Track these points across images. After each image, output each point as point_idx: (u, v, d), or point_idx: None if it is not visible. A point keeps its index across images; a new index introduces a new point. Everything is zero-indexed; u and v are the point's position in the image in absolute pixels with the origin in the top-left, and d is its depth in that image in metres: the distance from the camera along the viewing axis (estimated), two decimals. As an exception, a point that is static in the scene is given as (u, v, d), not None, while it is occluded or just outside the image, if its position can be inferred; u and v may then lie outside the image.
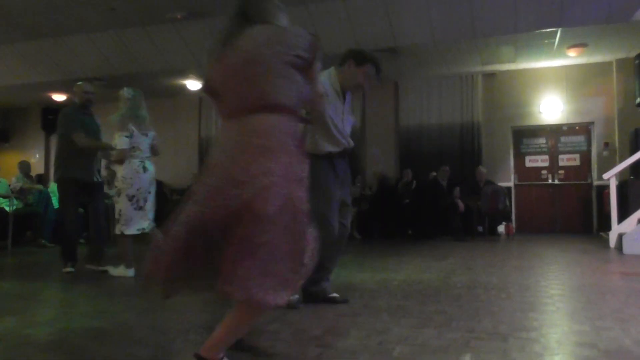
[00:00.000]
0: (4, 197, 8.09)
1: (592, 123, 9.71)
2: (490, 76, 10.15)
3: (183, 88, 10.96)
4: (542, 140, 10.13)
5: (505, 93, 10.07)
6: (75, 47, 9.51)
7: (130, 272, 4.57)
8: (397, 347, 2.23)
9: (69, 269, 4.81)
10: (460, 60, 9.46)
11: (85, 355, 2.18)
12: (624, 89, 9.27)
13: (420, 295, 3.53)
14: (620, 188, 7.63)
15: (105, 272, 4.71)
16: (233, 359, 1.85)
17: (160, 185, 8.50)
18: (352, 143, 3.30)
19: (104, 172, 6.63)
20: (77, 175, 4.90)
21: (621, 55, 9.17)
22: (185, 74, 10.18)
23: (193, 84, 10.72)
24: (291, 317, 2.79)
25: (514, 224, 9.75)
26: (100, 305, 3.33)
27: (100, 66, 9.78)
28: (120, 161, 4.60)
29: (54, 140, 12.20)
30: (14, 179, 8.92)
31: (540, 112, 9.91)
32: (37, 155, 12.92)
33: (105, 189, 6.30)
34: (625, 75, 9.16)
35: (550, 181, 10.03)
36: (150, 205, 4.69)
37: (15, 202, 8.03)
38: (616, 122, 9.42)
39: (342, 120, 3.23)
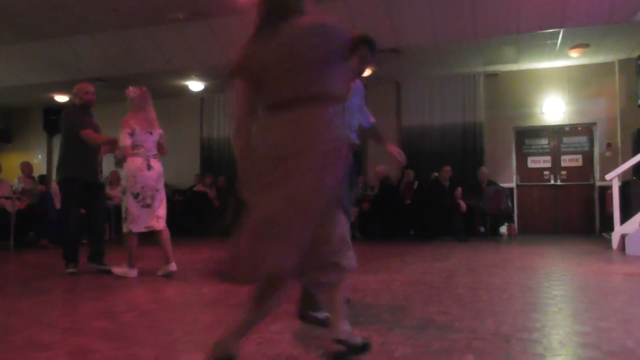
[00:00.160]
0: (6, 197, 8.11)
1: (595, 123, 9.69)
2: (493, 76, 10.14)
3: (185, 89, 10.98)
4: (544, 141, 10.12)
5: (507, 93, 10.06)
6: (78, 48, 9.53)
7: (133, 272, 4.55)
8: (399, 347, 2.23)
9: (71, 270, 4.82)
10: (463, 61, 9.46)
11: (88, 356, 2.18)
12: (626, 89, 9.25)
13: (423, 295, 3.53)
14: (623, 189, 7.61)
15: (109, 271, 4.71)
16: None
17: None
18: (356, 140, 3.26)
19: (106, 173, 6.64)
20: (80, 175, 4.90)
21: (623, 55, 9.15)
22: (187, 74, 10.20)
23: (195, 85, 10.73)
24: (292, 317, 2.79)
25: (516, 225, 9.76)
26: (103, 305, 3.34)
27: (103, 67, 9.80)
28: (123, 158, 4.59)
29: (56, 141, 12.26)
30: (16, 180, 8.94)
31: (542, 113, 9.90)
32: (40, 156, 12.95)
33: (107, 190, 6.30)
34: (628, 75, 9.15)
35: (552, 182, 10.01)
36: (158, 203, 4.64)
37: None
38: (618, 122, 9.41)
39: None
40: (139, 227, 4.55)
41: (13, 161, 11.33)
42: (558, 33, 8.03)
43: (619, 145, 9.39)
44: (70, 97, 6.29)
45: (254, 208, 1.84)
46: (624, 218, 6.98)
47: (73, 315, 3.08)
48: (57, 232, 7.95)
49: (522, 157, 10.20)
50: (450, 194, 9.00)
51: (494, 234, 9.36)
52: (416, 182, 9.61)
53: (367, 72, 3.43)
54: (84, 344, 2.36)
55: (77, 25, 8.69)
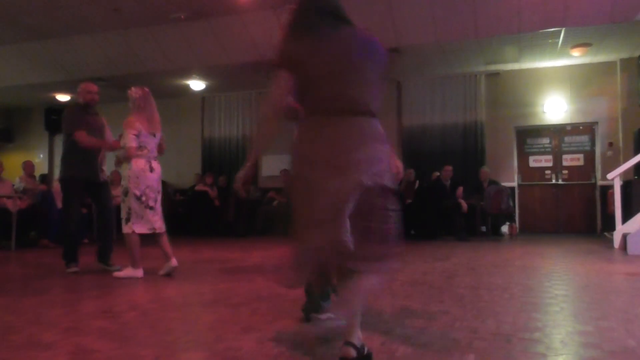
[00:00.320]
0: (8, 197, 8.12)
1: (596, 123, 9.68)
2: (494, 76, 10.13)
3: (186, 88, 10.98)
4: (545, 140, 10.11)
5: (508, 93, 10.05)
6: (79, 48, 9.54)
7: (139, 273, 4.52)
8: (400, 347, 2.23)
9: (74, 269, 4.82)
10: (464, 60, 9.45)
11: (88, 355, 2.18)
12: (628, 88, 9.24)
13: (424, 295, 3.52)
14: (625, 188, 7.60)
15: (114, 272, 4.68)
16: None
17: (163, 185, 8.50)
18: None
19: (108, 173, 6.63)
20: (81, 174, 4.90)
21: (625, 54, 9.14)
22: (188, 74, 10.20)
23: (196, 84, 10.74)
24: (293, 317, 2.79)
25: (517, 224, 9.74)
26: (104, 305, 3.34)
27: (104, 66, 9.81)
28: (127, 159, 4.58)
29: (57, 141, 12.28)
30: (18, 179, 8.95)
31: (543, 112, 9.89)
32: (41, 156, 12.97)
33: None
34: (630, 74, 9.14)
35: (553, 181, 10.00)
36: (159, 205, 4.64)
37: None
38: (620, 121, 9.40)
39: None
40: (143, 229, 4.54)
41: (14, 161, 11.35)
42: (559, 32, 8.02)
43: (621, 144, 9.38)
44: (74, 96, 6.31)
45: (300, 208, 1.96)
46: (626, 217, 6.97)
47: (74, 314, 3.08)
48: (58, 231, 7.96)
49: (523, 157, 10.19)
50: (451, 194, 9.00)
51: (495, 233, 9.36)
52: (417, 182, 9.60)
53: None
54: (84, 344, 2.36)
55: (78, 25, 8.70)
